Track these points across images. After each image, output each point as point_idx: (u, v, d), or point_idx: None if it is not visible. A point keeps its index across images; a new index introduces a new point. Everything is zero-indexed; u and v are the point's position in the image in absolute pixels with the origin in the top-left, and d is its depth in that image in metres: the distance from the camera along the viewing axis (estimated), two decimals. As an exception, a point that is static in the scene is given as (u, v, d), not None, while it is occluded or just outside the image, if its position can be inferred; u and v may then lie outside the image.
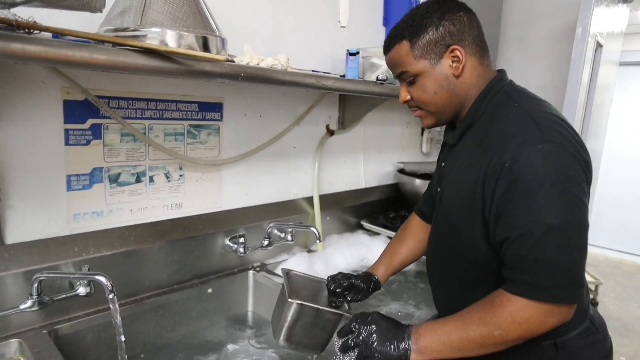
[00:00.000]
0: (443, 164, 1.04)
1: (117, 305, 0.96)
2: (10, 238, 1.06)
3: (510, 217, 0.79)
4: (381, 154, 2.16)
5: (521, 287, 0.79)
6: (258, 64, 1.17)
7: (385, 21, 1.98)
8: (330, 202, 1.86)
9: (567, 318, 0.80)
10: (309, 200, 1.76)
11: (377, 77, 1.48)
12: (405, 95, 0.97)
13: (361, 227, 2.00)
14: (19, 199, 1.07)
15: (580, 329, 0.93)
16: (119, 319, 0.95)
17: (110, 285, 0.95)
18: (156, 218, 1.32)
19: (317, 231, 1.42)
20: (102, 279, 0.96)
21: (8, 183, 1.04)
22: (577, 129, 1.84)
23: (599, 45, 1.91)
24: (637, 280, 4.60)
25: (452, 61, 0.90)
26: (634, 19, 4.51)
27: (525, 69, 2.45)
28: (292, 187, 1.73)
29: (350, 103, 1.85)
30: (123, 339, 0.99)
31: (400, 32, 0.92)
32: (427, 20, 0.90)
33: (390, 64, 0.97)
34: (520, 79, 2.58)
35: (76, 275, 1.00)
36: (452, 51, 0.89)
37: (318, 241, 1.42)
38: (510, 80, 0.96)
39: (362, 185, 2.06)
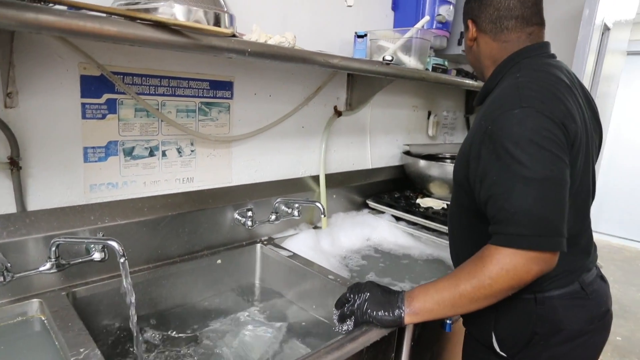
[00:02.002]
0: None
1: (127, 268, 0.98)
2: (32, 205, 1.08)
3: (493, 176, 0.82)
4: (388, 136, 2.14)
5: (506, 238, 0.80)
6: (266, 42, 1.16)
7: (394, 5, 1.95)
8: (336, 181, 1.86)
9: (550, 266, 0.81)
10: (316, 178, 1.76)
11: (383, 58, 1.45)
12: None
13: (366, 206, 1.99)
14: (40, 168, 1.08)
15: (565, 289, 0.93)
16: (129, 280, 0.97)
17: (121, 250, 0.97)
18: (169, 191, 1.34)
19: (322, 206, 1.42)
20: (113, 243, 0.97)
21: (29, 153, 1.06)
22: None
23: (606, 29, 1.84)
24: (637, 265, 4.53)
25: (471, 36, 1.04)
26: (645, 7, 4.34)
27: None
28: (300, 166, 1.73)
29: (358, 85, 1.83)
30: (133, 299, 1.01)
31: None
32: None
33: None
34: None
35: (90, 240, 1.02)
36: (469, 24, 1.04)
37: (323, 216, 1.42)
38: (545, 54, 0.98)
39: (369, 165, 2.05)
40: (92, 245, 1.10)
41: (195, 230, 1.38)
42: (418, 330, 1.19)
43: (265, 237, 1.58)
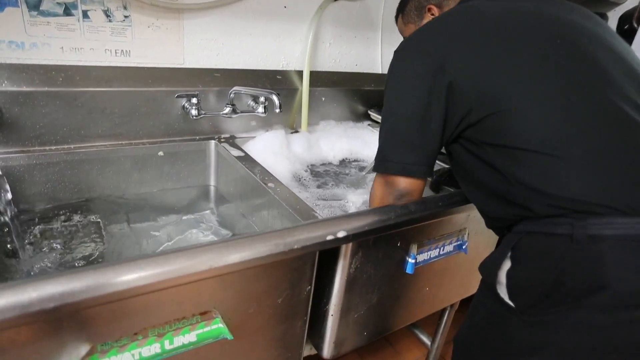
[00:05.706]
0: None
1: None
2: None
3: None
4: (409, 36, 1.68)
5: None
6: None
7: None
8: (329, 81, 1.50)
9: (392, 187, 0.82)
10: (302, 74, 1.42)
11: None
12: None
13: (368, 118, 1.63)
14: None
15: (627, 230, 0.60)
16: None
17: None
18: (96, 63, 1.09)
19: (277, 98, 1.09)
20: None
21: None
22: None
23: None
24: None
25: (431, 15, 1.01)
26: None
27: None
28: (280, 56, 1.38)
29: (365, -42, 1.38)
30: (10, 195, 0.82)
31: (396, 12, 1.12)
32: None
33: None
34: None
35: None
36: (429, 9, 1.01)
37: (278, 110, 1.10)
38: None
39: (378, 69, 1.64)
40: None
41: (131, 114, 1.14)
42: (356, 262, 0.89)
43: (227, 135, 1.32)
